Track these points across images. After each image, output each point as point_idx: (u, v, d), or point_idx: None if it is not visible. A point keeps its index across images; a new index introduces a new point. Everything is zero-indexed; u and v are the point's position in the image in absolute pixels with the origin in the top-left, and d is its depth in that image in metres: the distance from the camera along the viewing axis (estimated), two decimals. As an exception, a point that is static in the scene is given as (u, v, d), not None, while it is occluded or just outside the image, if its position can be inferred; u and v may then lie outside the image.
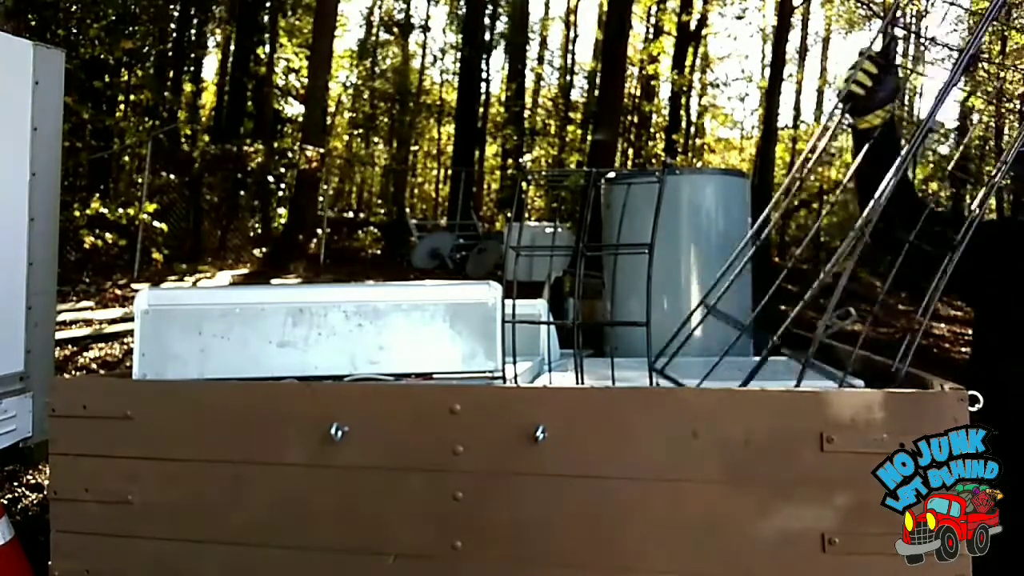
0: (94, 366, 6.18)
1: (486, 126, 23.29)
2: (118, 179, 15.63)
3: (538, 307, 2.19)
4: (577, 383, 1.64)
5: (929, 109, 1.61)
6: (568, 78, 25.87)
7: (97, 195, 12.68)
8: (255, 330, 1.62)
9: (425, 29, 26.74)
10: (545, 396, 1.50)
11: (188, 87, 19.13)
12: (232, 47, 19.95)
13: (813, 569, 1.32)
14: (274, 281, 10.95)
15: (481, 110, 22.43)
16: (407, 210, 21.33)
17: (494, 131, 24.11)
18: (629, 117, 22.33)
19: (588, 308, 5.05)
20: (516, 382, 1.61)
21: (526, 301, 1.95)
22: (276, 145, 17.06)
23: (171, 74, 17.79)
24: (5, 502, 2.98)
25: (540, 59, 26.90)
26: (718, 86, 24.35)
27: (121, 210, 11.65)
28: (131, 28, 14.13)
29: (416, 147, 26.09)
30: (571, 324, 1.68)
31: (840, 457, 1.31)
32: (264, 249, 15.82)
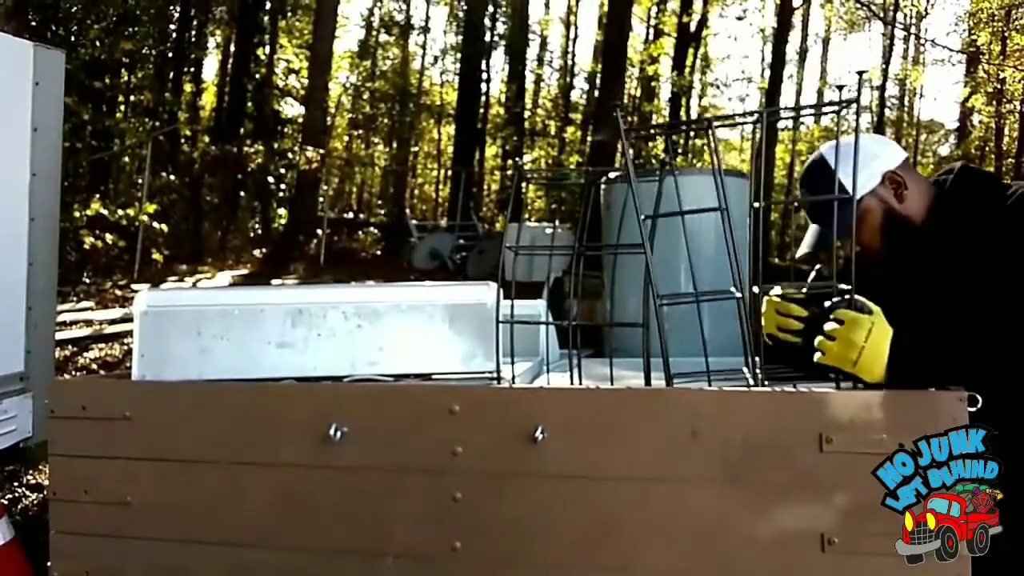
0: (94, 367, 6.17)
1: (486, 127, 23.27)
2: (118, 180, 15.64)
3: (537, 307, 2.19)
4: (573, 384, 1.64)
5: None
6: (568, 79, 25.87)
7: (97, 196, 12.68)
8: (254, 331, 1.62)
9: (425, 30, 26.78)
10: (544, 397, 1.50)
11: (188, 88, 19.13)
12: (232, 48, 19.95)
13: (812, 569, 1.32)
14: (274, 282, 10.95)
15: (481, 111, 22.41)
16: (407, 211, 21.32)
17: (494, 132, 24.09)
18: (629, 117, 22.33)
19: (588, 308, 5.06)
20: (515, 383, 1.61)
21: (525, 302, 1.95)
22: (276, 146, 17.06)
23: (171, 75, 17.79)
24: (5, 502, 2.98)
25: (540, 60, 26.92)
26: (718, 87, 24.37)
27: (121, 211, 11.65)
28: (131, 29, 14.15)
29: (416, 148, 26.08)
30: (566, 324, 1.68)
31: (840, 458, 1.31)
32: (264, 250, 15.84)
